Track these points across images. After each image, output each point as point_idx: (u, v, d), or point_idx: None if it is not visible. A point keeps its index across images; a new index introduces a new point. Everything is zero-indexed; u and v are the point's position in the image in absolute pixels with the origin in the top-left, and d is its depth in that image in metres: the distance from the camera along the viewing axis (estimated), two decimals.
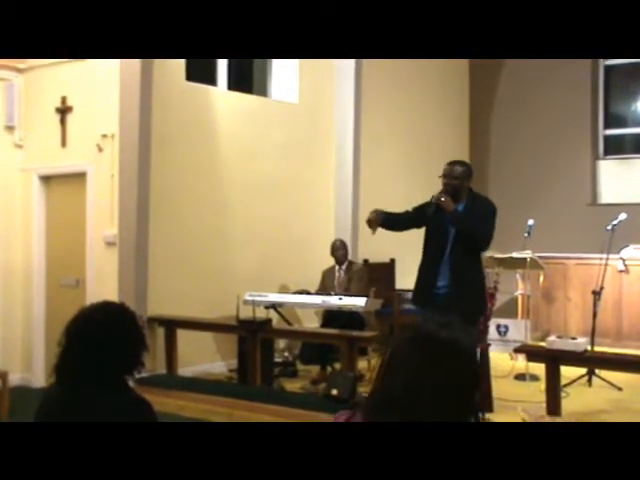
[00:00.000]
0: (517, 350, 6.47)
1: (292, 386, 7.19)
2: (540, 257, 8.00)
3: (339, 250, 7.80)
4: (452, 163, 5.26)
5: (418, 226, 5.43)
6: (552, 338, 5.84)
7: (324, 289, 7.81)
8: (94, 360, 2.39)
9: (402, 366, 1.75)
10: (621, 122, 10.80)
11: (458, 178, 5.16)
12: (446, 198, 5.06)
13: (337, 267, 7.88)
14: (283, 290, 8.40)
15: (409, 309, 7.20)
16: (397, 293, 8.04)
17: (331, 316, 7.48)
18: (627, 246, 8.91)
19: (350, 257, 8.14)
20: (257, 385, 6.79)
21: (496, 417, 5.94)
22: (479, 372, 1.80)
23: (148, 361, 2.72)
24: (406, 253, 7.87)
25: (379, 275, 8.58)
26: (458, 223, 5.09)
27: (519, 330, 7.82)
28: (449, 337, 1.75)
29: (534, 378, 6.98)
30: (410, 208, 5.47)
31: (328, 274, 7.92)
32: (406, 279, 7.75)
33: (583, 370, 6.86)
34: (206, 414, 6.27)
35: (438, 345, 1.74)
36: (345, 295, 7.32)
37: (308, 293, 7.92)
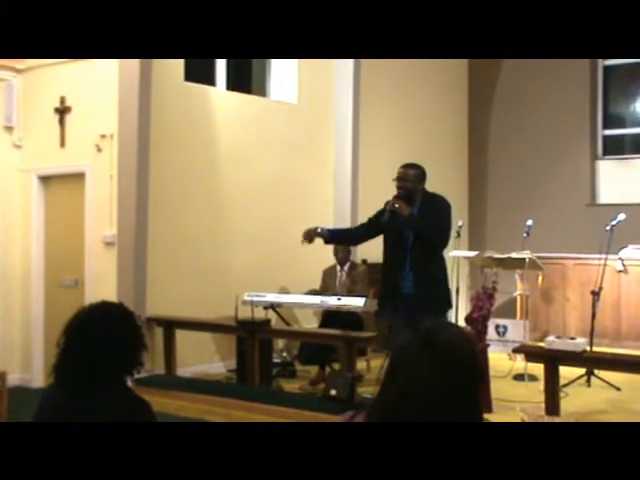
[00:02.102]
0: (516, 350, 6.48)
1: (291, 386, 7.18)
2: (539, 257, 7.99)
3: (340, 252, 7.79)
4: (405, 166, 5.35)
5: (374, 235, 5.52)
6: (551, 338, 5.84)
7: (326, 289, 7.79)
8: (93, 360, 2.39)
9: (400, 371, 1.75)
10: (620, 122, 10.80)
11: (411, 180, 5.26)
12: (400, 204, 5.13)
13: (339, 267, 7.86)
14: (282, 290, 8.40)
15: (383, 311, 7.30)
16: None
17: (330, 316, 7.47)
18: (626, 246, 8.90)
19: (351, 258, 8.12)
20: (256, 385, 6.79)
21: (495, 417, 5.93)
22: (476, 373, 1.78)
23: (147, 361, 2.71)
24: None
25: (378, 275, 8.56)
26: (415, 226, 5.14)
27: (518, 330, 7.81)
28: (447, 340, 1.74)
29: (533, 378, 6.97)
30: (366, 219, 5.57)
31: (329, 273, 7.90)
32: None
33: (582, 370, 6.86)
34: (205, 414, 6.26)
35: (436, 349, 1.73)
36: (347, 296, 7.32)
37: (317, 293, 7.86)
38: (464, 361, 1.73)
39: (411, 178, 5.27)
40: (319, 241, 5.83)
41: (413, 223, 5.16)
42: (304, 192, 8.97)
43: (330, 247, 7.96)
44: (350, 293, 7.51)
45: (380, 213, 5.39)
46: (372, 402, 1.82)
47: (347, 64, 9.05)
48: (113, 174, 7.14)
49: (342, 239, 5.93)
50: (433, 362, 1.70)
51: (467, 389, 1.73)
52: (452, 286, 7.62)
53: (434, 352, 1.71)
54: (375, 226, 5.43)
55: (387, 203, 5.29)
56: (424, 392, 1.69)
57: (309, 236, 5.55)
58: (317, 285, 8.03)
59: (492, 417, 5.95)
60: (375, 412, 1.76)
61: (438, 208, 5.32)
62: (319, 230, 5.58)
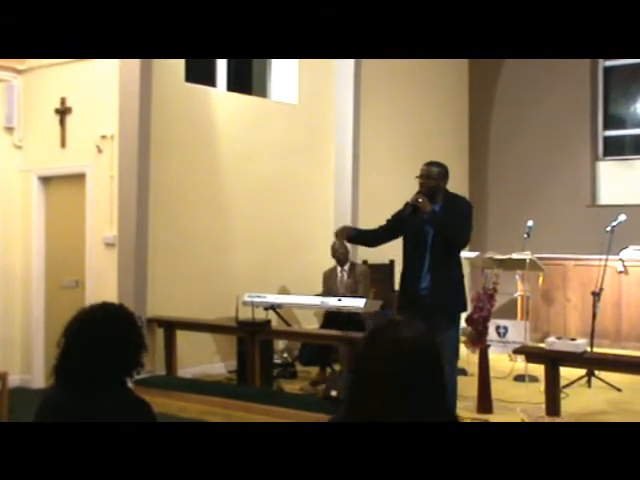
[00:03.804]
0: (516, 351, 6.47)
1: (291, 387, 7.18)
2: (539, 258, 7.99)
3: (339, 250, 7.77)
4: (429, 164, 5.30)
5: (393, 237, 5.48)
6: (551, 339, 5.84)
7: (328, 291, 7.78)
8: (93, 361, 2.39)
9: (360, 370, 1.78)
10: (620, 123, 10.80)
11: (435, 178, 5.21)
12: (423, 199, 5.10)
13: (339, 268, 7.85)
14: (282, 291, 8.41)
15: (383, 312, 7.37)
16: (396, 294, 8.03)
17: (332, 317, 7.47)
18: (626, 247, 8.91)
19: (350, 258, 8.12)
20: (256, 386, 6.79)
21: (495, 418, 5.94)
22: (433, 368, 1.77)
23: (147, 362, 2.71)
24: None
25: (378, 276, 8.58)
26: (436, 223, 5.13)
27: (518, 331, 7.81)
28: (392, 337, 1.76)
29: (533, 379, 6.97)
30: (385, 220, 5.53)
31: (330, 275, 7.89)
32: None
33: (582, 371, 6.87)
34: (205, 415, 6.26)
35: (386, 346, 1.74)
36: (349, 296, 7.31)
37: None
38: (411, 356, 1.73)
39: (434, 176, 5.22)
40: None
41: (435, 220, 5.13)
42: (305, 192, 8.97)
43: (330, 247, 7.96)
44: (353, 293, 7.51)
45: (400, 213, 5.36)
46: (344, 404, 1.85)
47: (347, 64, 9.06)
48: (114, 175, 7.14)
49: (364, 239, 5.90)
50: (379, 360, 1.72)
51: (421, 384, 1.72)
52: None
53: (379, 350, 1.73)
54: (394, 227, 5.38)
55: (408, 203, 5.26)
56: (379, 390, 1.71)
57: (345, 234, 5.54)
58: (319, 285, 8.02)
59: (492, 417, 5.96)
60: (345, 413, 1.79)
61: (460, 208, 5.29)
62: (350, 227, 5.61)
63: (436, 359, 1.78)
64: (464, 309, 5.59)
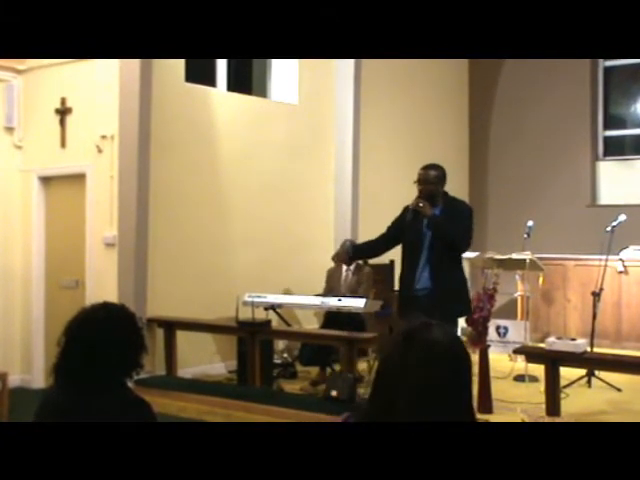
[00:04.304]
0: (516, 351, 6.47)
1: (291, 387, 7.18)
2: (539, 258, 7.99)
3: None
4: (426, 168, 5.30)
5: (394, 244, 5.54)
6: (551, 339, 5.84)
7: (330, 289, 7.78)
8: (93, 360, 2.39)
9: (385, 372, 1.77)
10: (620, 123, 10.81)
11: (433, 183, 5.23)
12: (424, 203, 5.13)
13: (344, 267, 7.85)
14: (282, 291, 8.40)
15: (383, 312, 7.37)
16: (396, 294, 8.04)
17: (332, 317, 7.47)
18: (626, 247, 8.91)
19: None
20: (256, 386, 6.79)
21: (495, 418, 5.93)
22: (461, 371, 1.78)
23: (147, 362, 2.71)
24: None
25: (379, 276, 8.57)
26: (437, 227, 5.14)
27: (518, 331, 7.81)
28: (426, 338, 1.76)
29: (533, 379, 6.97)
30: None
31: (334, 273, 7.88)
32: None
33: (582, 371, 6.86)
34: (205, 415, 6.26)
35: (415, 347, 1.74)
36: (350, 296, 7.31)
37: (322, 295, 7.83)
38: (444, 358, 1.73)
39: (432, 180, 5.23)
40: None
41: (436, 224, 5.14)
42: (305, 192, 8.97)
43: (331, 246, 7.98)
44: (353, 294, 7.50)
45: (399, 219, 5.38)
46: (365, 403, 1.84)
47: (348, 64, 9.06)
48: (114, 175, 7.14)
49: (364, 254, 6.01)
50: (411, 361, 1.72)
51: (452, 387, 1.73)
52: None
53: (412, 351, 1.73)
54: (394, 235, 5.41)
55: (407, 207, 5.28)
56: (409, 391, 1.70)
57: (341, 258, 5.67)
58: (319, 286, 8.02)
59: (493, 418, 5.95)
60: (367, 413, 1.78)
61: (461, 212, 5.30)
62: (347, 249, 5.76)
63: (467, 362, 1.80)
64: (468, 309, 5.58)
